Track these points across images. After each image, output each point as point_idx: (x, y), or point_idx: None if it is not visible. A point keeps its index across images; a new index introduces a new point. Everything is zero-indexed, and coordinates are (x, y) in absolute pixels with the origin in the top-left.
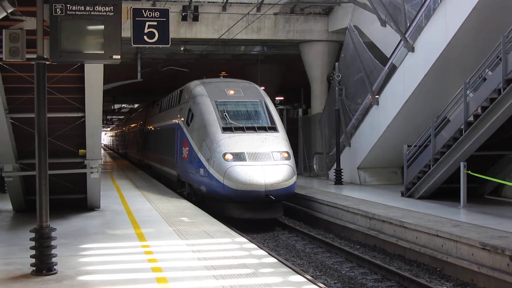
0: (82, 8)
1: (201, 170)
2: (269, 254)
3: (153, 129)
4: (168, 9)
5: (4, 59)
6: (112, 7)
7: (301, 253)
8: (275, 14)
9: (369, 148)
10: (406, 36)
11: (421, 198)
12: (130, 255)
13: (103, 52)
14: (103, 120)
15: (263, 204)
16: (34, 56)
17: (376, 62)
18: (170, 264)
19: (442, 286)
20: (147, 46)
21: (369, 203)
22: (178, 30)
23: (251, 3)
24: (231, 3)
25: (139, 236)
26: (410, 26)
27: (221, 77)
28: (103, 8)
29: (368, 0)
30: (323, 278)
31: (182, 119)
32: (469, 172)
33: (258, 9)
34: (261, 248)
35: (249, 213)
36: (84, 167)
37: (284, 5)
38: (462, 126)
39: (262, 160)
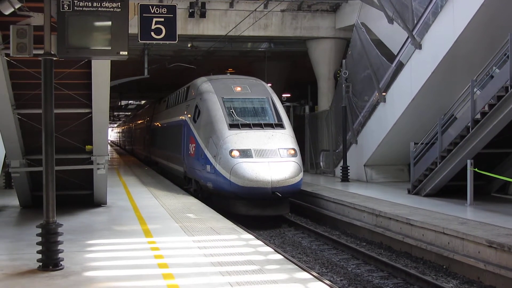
0: (90, 4)
1: (208, 167)
2: (275, 250)
3: (159, 125)
4: (175, 6)
5: (11, 54)
6: (119, 3)
7: (307, 250)
8: (283, 11)
9: (375, 145)
10: (414, 33)
11: (427, 195)
12: (137, 251)
13: (110, 48)
14: (110, 116)
15: (269, 201)
16: (41, 52)
17: (383, 59)
18: (177, 260)
19: (449, 284)
20: (154, 42)
21: (376, 201)
22: (185, 26)
23: (258, 0)
24: None
25: (146, 232)
26: (417, 23)
27: (228, 74)
28: (111, 4)
29: None
30: (329, 275)
31: (189, 115)
32: (476, 169)
33: (266, 6)
34: (267, 245)
35: (255, 209)
36: (91, 163)
37: (291, 2)
38: (469, 124)
39: (268, 157)
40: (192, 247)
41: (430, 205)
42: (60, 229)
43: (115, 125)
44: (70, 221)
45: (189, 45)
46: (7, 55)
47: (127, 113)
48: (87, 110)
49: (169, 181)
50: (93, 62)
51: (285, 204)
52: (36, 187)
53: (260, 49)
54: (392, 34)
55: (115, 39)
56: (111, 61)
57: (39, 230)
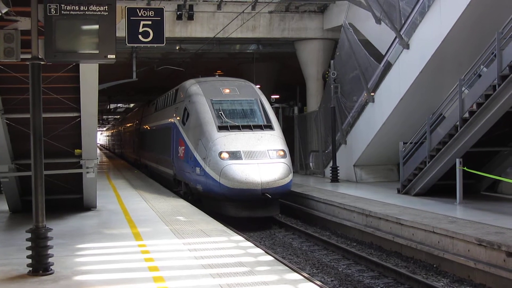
0: (77, 7)
1: (197, 169)
2: (265, 252)
3: (149, 128)
4: (162, 8)
5: None
6: (106, 7)
7: (298, 251)
8: (270, 12)
9: (365, 145)
10: (401, 33)
11: (417, 195)
12: (127, 255)
13: (97, 51)
14: (98, 120)
15: (259, 202)
16: (29, 56)
17: (371, 59)
18: (167, 263)
19: (439, 283)
20: (142, 45)
21: (366, 201)
22: (173, 29)
23: (246, 2)
24: (226, 1)
25: (136, 236)
26: (405, 23)
27: (217, 76)
28: (98, 8)
29: None
30: (320, 275)
31: (178, 118)
32: (465, 168)
33: (253, 8)
34: (258, 246)
35: (245, 211)
36: (80, 167)
37: (279, 3)
38: (458, 123)
39: (258, 158)
40: (183, 249)
41: (419, 204)
42: (50, 234)
43: (104, 129)
44: (60, 226)
45: (177, 48)
46: None
47: (116, 117)
48: (75, 114)
49: (158, 184)
50: (81, 65)
51: (275, 205)
52: (26, 191)
53: (248, 51)
54: (380, 34)
55: (102, 42)
56: (99, 64)
57: (29, 235)
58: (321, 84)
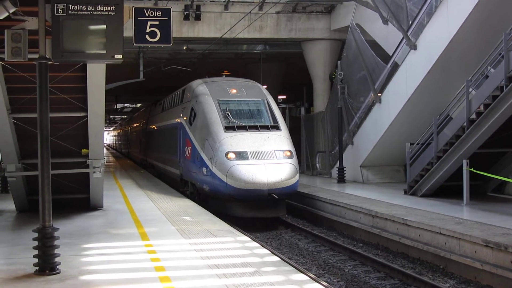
0: (84, 7)
1: (204, 169)
2: (272, 252)
3: (155, 128)
4: (170, 8)
5: (6, 59)
6: (113, 7)
7: (304, 252)
8: (277, 12)
9: (371, 146)
10: (408, 34)
11: (424, 196)
12: (133, 255)
13: (105, 51)
14: (105, 120)
15: (266, 203)
16: (36, 56)
17: (378, 60)
18: (173, 263)
19: (446, 284)
20: (149, 45)
21: (372, 201)
22: (180, 29)
23: (253, 2)
24: (233, 2)
25: (142, 236)
26: (412, 24)
27: (224, 76)
28: (105, 8)
29: None
30: (326, 276)
31: (185, 118)
32: (472, 169)
33: (260, 8)
34: (264, 247)
35: (252, 211)
36: (87, 166)
37: (286, 4)
38: (465, 124)
39: (264, 158)
40: (189, 249)
41: (426, 205)
42: (56, 233)
43: (111, 129)
44: (66, 225)
45: (184, 48)
46: (2, 59)
47: (123, 116)
48: (82, 114)
49: (165, 184)
50: (88, 65)
51: (282, 206)
52: (32, 191)
53: (255, 51)
54: (387, 35)
55: (109, 42)
56: (106, 64)
57: (36, 234)
58: (328, 85)
